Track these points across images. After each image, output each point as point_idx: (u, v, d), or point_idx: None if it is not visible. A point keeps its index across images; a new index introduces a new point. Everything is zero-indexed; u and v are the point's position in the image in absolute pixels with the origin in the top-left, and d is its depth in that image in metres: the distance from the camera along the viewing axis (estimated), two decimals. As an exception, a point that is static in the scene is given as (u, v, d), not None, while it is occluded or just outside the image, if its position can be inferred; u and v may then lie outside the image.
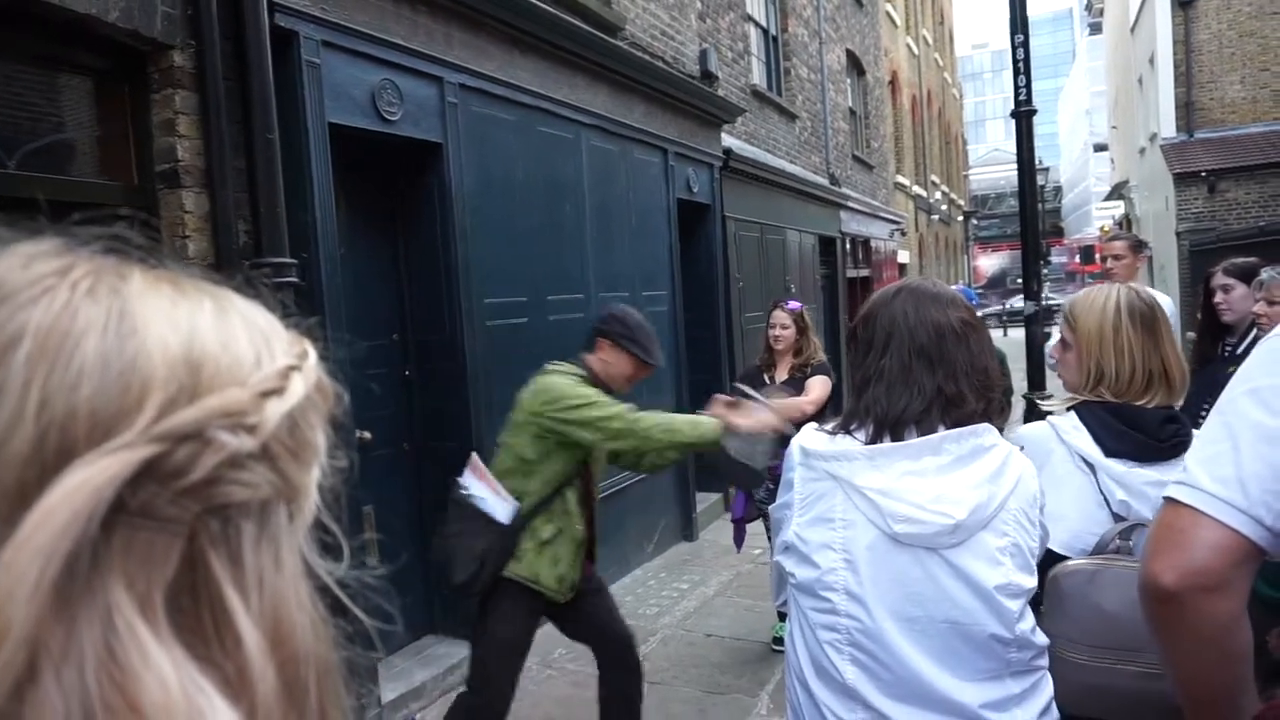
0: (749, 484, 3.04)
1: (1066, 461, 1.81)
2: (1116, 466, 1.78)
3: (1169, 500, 1.17)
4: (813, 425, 1.73)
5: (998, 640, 1.51)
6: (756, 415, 2.81)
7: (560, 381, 2.93)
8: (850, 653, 1.57)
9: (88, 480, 0.34)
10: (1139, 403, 1.84)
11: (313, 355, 0.44)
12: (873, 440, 1.59)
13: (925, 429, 1.57)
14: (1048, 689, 1.61)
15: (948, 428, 1.56)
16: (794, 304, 4.66)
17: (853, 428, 1.63)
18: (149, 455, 0.35)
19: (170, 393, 0.37)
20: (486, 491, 2.92)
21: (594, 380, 3.01)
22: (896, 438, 1.57)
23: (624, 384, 3.06)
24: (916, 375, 1.59)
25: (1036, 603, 1.76)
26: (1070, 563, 1.72)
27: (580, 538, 3.02)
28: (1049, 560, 1.74)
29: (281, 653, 0.39)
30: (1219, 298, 3.91)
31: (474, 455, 3.04)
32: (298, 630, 0.41)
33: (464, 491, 2.96)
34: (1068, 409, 1.90)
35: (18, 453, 0.34)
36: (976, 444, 1.54)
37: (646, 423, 2.83)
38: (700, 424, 2.83)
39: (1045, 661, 1.60)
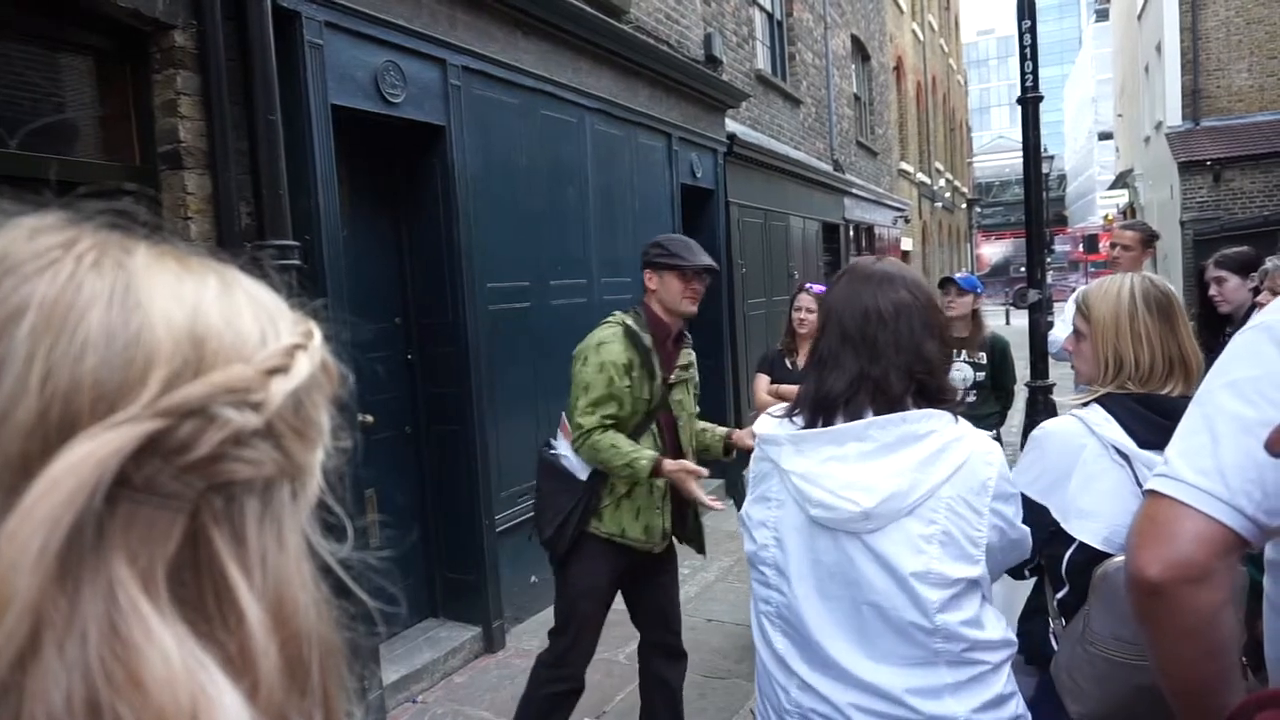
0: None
1: (1100, 456, 1.76)
2: (1154, 458, 1.74)
3: (1151, 493, 1.18)
4: (773, 409, 1.77)
5: (917, 628, 1.52)
6: (687, 474, 2.83)
7: (592, 348, 2.91)
8: (780, 624, 1.65)
9: (91, 453, 0.33)
10: (1162, 392, 1.80)
11: (318, 335, 0.43)
12: (809, 423, 1.62)
13: (852, 411, 1.58)
14: (997, 684, 1.58)
15: (876, 412, 1.56)
16: (820, 288, 4.63)
17: (797, 412, 1.67)
18: (153, 430, 0.35)
19: (174, 367, 0.37)
20: (569, 449, 2.96)
21: (654, 323, 2.99)
22: (827, 420, 1.60)
23: (686, 303, 2.99)
24: (842, 357, 1.61)
25: (1078, 605, 1.74)
26: (1118, 559, 1.67)
27: (664, 486, 3.00)
28: (1093, 557, 1.71)
29: (284, 632, 0.39)
30: (1213, 290, 3.93)
31: (564, 415, 3.06)
32: (300, 610, 0.40)
33: (551, 451, 3.02)
34: (1086, 402, 1.86)
35: (21, 424, 0.34)
36: (906, 431, 1.54)
37: (589, 451, 2.85)
38: (636, 464, 2.81)
39: (995, 657, 1.57)
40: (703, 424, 3.24)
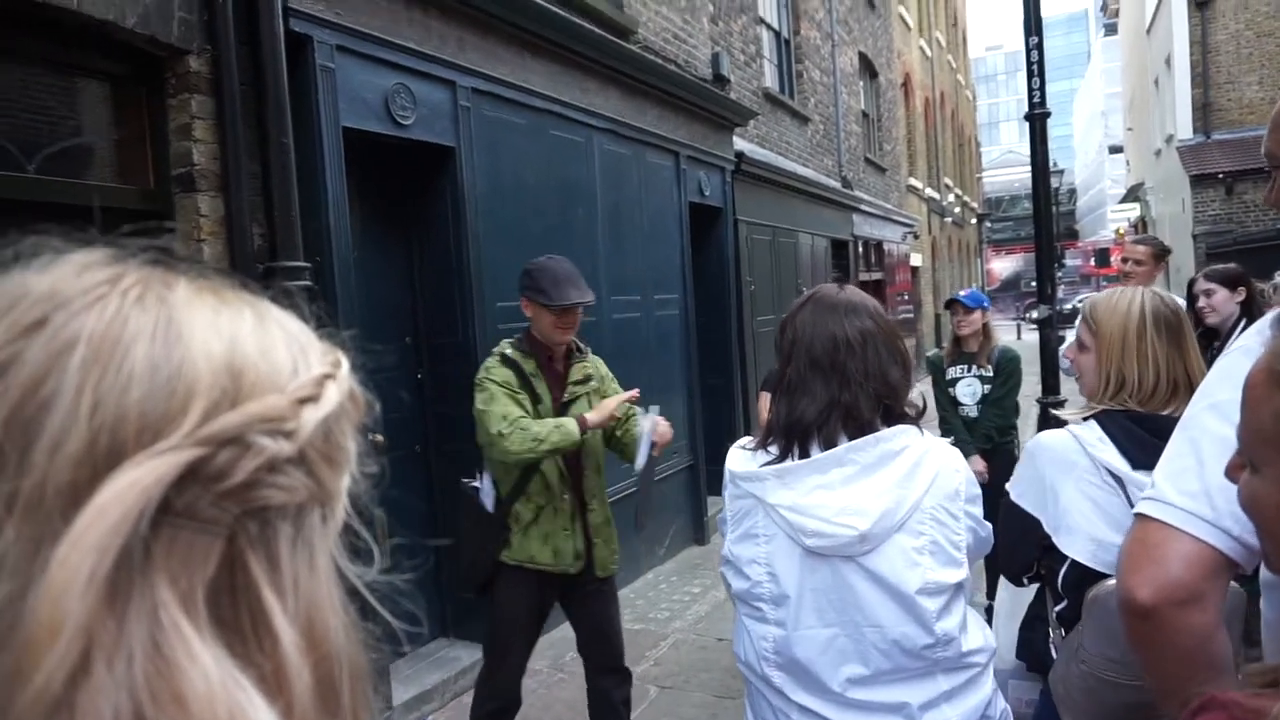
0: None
1: (1092, 475, 1.75)
2: (1147, 479, 1.73)
3: (1140, 516, 1.19)
4: (741, 441, 1.79)
5: (919, 640, 1.56)
6: (606, 409, 2.94)
7: (481, 375, 3.01)
8: (775, 659, 1.65)
9: (137, 481, 0.35)
10: (1164, 413, 1.76)
11: (346, 365, 0.45)
12: (783, 451, 1.64)
13: (826, 437, 1.61)
14: (984, 687, 1.65)
15: (849, 436, 1.60)
16: None
17: (770, 441, 1.68)
18: (193, 458, 0.36)
19: (214, 398, 0.38)
20: (485, 482, 3.05)
21: (537, 348, 3.05)
22: (803, 446, 1.62)
23: (558, 334, 3.02)
24: (811, 384, 1.64)
25: (1075, 619, 1.74)
26: (1109, 582, 1.65)
27: (569, 509, 3.04)
28: (1086, 574, 1.71)
29: (316, 653, 0.41)
30: (1202, 302, 4.03)
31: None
32: (331, 632, 0.42)
33: (470, 484, 3.08)
34: (1086, 418, 1.83)
35: (72, 453, 0.36)
36: (884, 450, 1.58)
37: (524, 434, 2.84)
38: (565, 426, 2.87)
39: (982, 659, 1.64)
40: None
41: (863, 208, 12.74)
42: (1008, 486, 1.93)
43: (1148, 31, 20.31)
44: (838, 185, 11.67)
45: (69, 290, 0.39)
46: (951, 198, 25.18)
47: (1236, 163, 15.14)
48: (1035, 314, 5.96)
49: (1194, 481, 1.14)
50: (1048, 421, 5.68)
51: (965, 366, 4.77)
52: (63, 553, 0.34)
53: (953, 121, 26.14)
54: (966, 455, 4.77)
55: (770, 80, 9.91)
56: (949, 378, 4.79)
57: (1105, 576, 1.68)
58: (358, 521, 0.46)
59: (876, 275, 13.91)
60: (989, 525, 1.74)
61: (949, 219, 24.29)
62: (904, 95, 18.42)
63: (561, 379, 3.10)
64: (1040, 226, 6.16)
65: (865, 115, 14.45)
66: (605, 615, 3.20)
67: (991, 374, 4.68)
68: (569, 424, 2.88)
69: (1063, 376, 5.48)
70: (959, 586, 1.61)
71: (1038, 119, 5.97)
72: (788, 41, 10.71)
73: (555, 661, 4.44)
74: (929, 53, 21.82)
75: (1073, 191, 69.41)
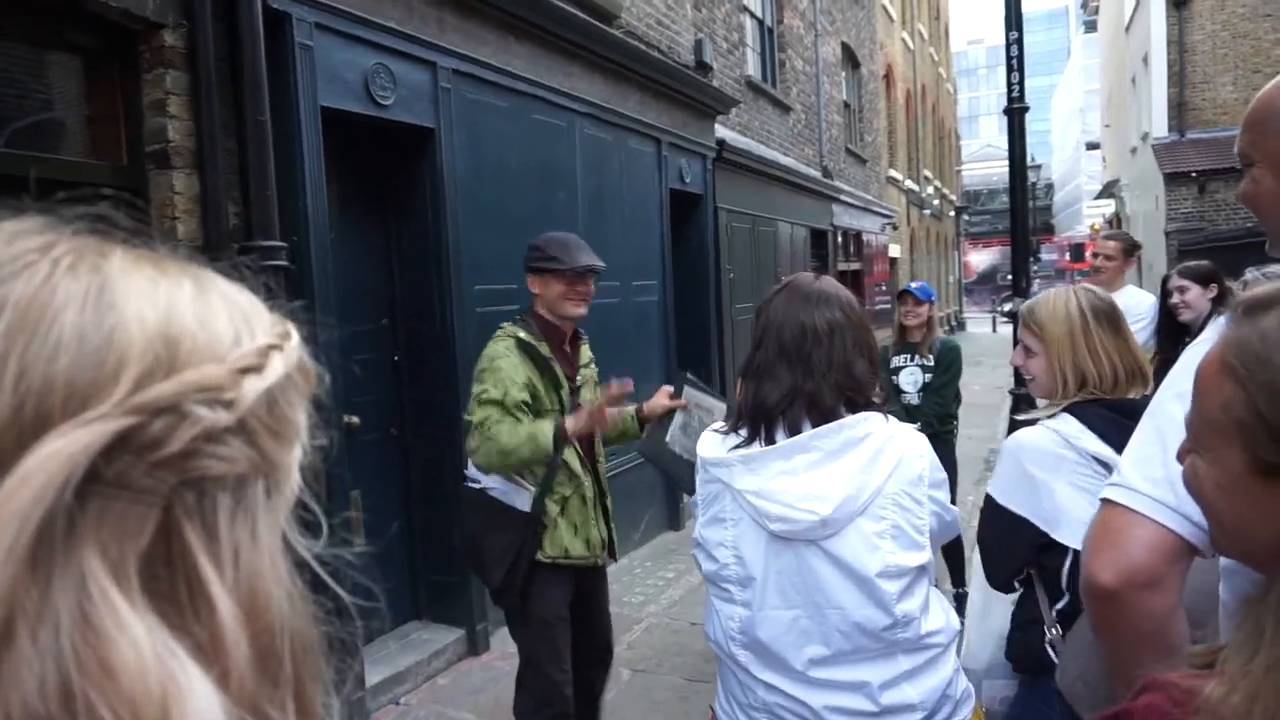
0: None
1: (1083, 466, 1.75)
2: None
3: (1105, 501, 1.22)
4: (712, 427, 1.84)
5: (879, 621, 1.61)
6: (597, 418, 2.66)
7: (486, 364, 2.78)
8: (741, 639, 1.70)
9: (62, 449, 0.34)
10: (1128, 396, 1.81)
11: (295, 336, 0.44)
12: (749, 436, 1.68)
13: (790, 421, 1.65)
14: (945, 668, 1.68)
15: (813, 422, 1.64)
16: None
17: (740, 425, 1.72)
18: (123, 427, 0.36)
19: (146, 366, 0.37)
20: (498, 481, 2.81)
21: (547, 330, 2.88)
22: (768, 430, 1.66)
23: (569, 305, 2.89)
24: (776, 370, 1.68)
25: (1076, 614, 1.72)
26: None
27: (592, 494, 2.93)
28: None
29: (256, 624, 0.40)
30: (1175, 299, 4.09)
31: None
32: (273, 603, 0.41)
33: (476, 485, 2.84)
34: (1056, 412, 1.83)
35: None
36: (848, 436, 1.62)
37: (491, 445, 2.66)
38: (538, 438, 2.63)
39: (943, 639, 1.67)
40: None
41: (842, 198, 12.77)
42: (988, 490, 1.90)
43: (1126, 30, 20.44)
44: (818, 175, 11.70)
45: None
46: (931, 190, 25.30)
47: (1210, 162, 15.29)
48: (1008, 307, 6.04)
49: (1158, 468, 1.16)
50: (1019, 408, 5.75)
51: (908, 356, 4.91)
52: None
53: (933, 114, 26.24)
54: None
55: (753, 68, 9.90)
56: (892, 366, 4.91)
57: None
58: (309, 496, 0.46)
59: (855, 265, 13.97)
60: (954, 510, 1.77)
61: (928, 211, 24.42)
62: (886, 87, 18.47)
63: (572, 362, 2.97)
64: (1016, 220, 6.21)
65: (847, 106, 14.47)
66: (602, 605, 3.14)
67: (933, 364, 4.82)
68: (544, 435, 2.59)
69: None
70: (921, 569, 1.65)
71: (1016, 114, 6.01)
72: (771, 30, 10.69)
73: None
74: (911, 45, 21.86)
75: (1050, 186, 69.99)
